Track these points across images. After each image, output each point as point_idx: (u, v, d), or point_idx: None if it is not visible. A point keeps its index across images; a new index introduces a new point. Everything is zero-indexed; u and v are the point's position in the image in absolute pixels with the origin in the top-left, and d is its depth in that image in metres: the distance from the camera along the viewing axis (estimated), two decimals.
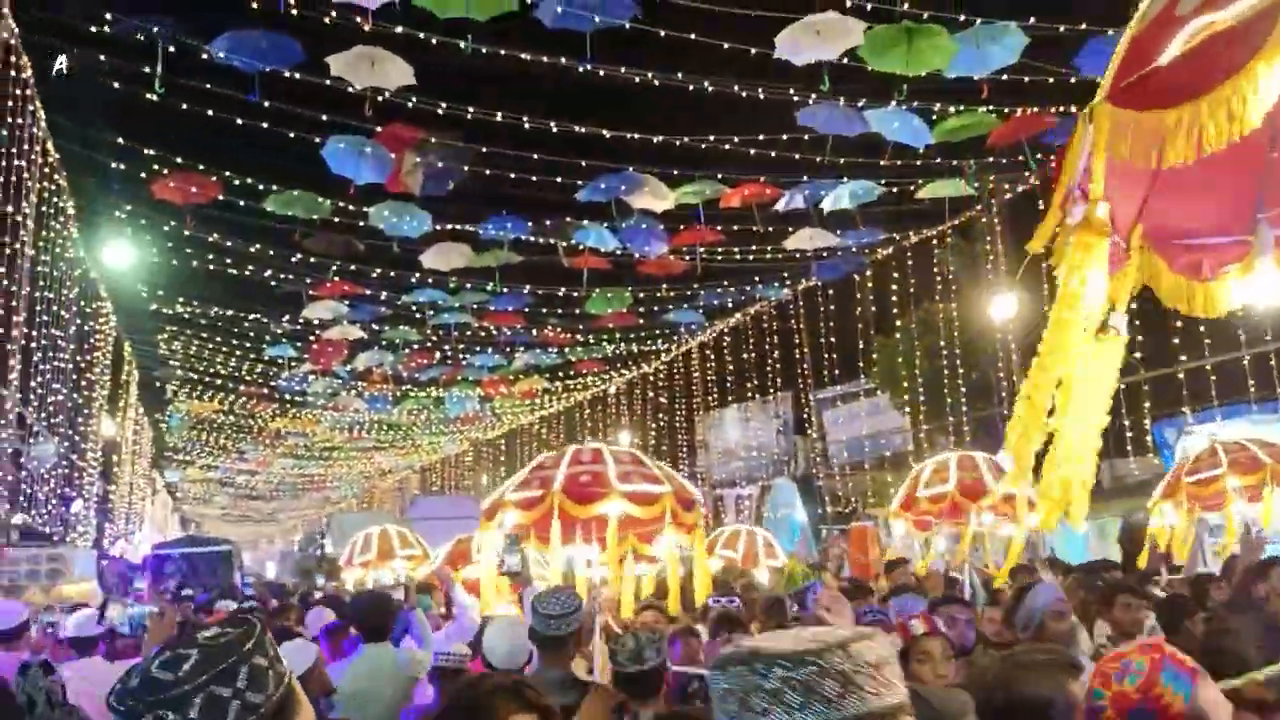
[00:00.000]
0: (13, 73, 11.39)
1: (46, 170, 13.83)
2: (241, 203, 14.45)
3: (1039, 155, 13.64)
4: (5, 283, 11.87)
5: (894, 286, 18.82)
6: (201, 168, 13.79)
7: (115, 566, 22.35)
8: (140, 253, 17.32)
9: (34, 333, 14.10)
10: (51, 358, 15.55)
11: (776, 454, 29.67)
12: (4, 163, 11.38)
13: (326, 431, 35.02)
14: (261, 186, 14.28)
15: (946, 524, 9.15)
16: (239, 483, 48.56)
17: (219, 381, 26.52)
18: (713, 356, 25.56)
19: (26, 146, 12.03)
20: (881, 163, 13.22)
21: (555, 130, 12.19)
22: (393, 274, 17.57)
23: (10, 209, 11.62)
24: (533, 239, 15.94)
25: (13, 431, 13.00)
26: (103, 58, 11.42)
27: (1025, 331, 16.45)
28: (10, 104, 11.25)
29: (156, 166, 13.76)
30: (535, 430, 38.42)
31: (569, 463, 6.34)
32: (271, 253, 16.65)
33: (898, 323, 19.98)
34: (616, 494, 6.08)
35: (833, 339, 20.98)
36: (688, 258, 16.89)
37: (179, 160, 13.65)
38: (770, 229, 16.42)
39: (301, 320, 20.34)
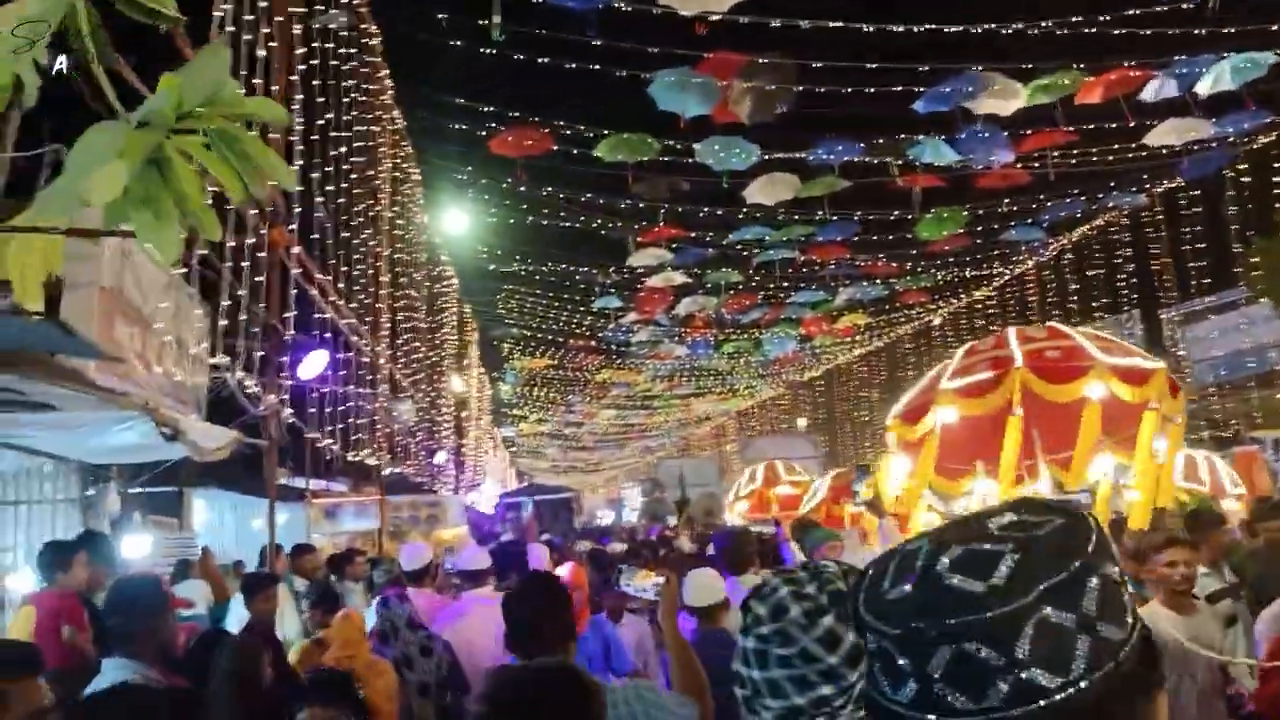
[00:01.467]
0: (363, 40, 11.88)
1: (396, 137, 14.51)
2: (574, 151, 14.56)
3: None
4: (372, 243, 12.51)
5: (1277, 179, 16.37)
6: (535, 119, 13.99)
7: (471, 514, 23.82)
8: (478, 214, 18.03)
9: (395, 293, 14.94)
10: (410, 318, 16.49)
11: None
12: (362, 127, 11.95)
13: (648, 381, 35.75)
14: (591, 134, 14.34)
15: None
16: (567, 434, 50.82)
17: (549, 337, 27.57)
18: (1053, 277, 23.59)
19: (380, 113, 12.59)
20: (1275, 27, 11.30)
21: (896, 30, 11.25)
22: (719, 212, 17.27)
23: (370, 172, 12.20)
24: (864, 160, 15.06)
25: (386, 388, 13.85)
26: (441, 16, 11.71)
27: None
28: (364, 70, 11.76)
29: (493, 124, 14.14)
30: (854, 369, 37.47)
31: (1020, 340, 5.84)
32: (601, 201, 16.80)
33: None
34: (1102, 369, 5.29)
35: (1200, 245, 18.63)
36: (1037, 164, 15.42)
37: (514, 114, 13.92)
38: (1132, 124, 14.68)
39: (627, 269, 20.58)
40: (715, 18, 10.76)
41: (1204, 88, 13.14)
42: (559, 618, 3.25)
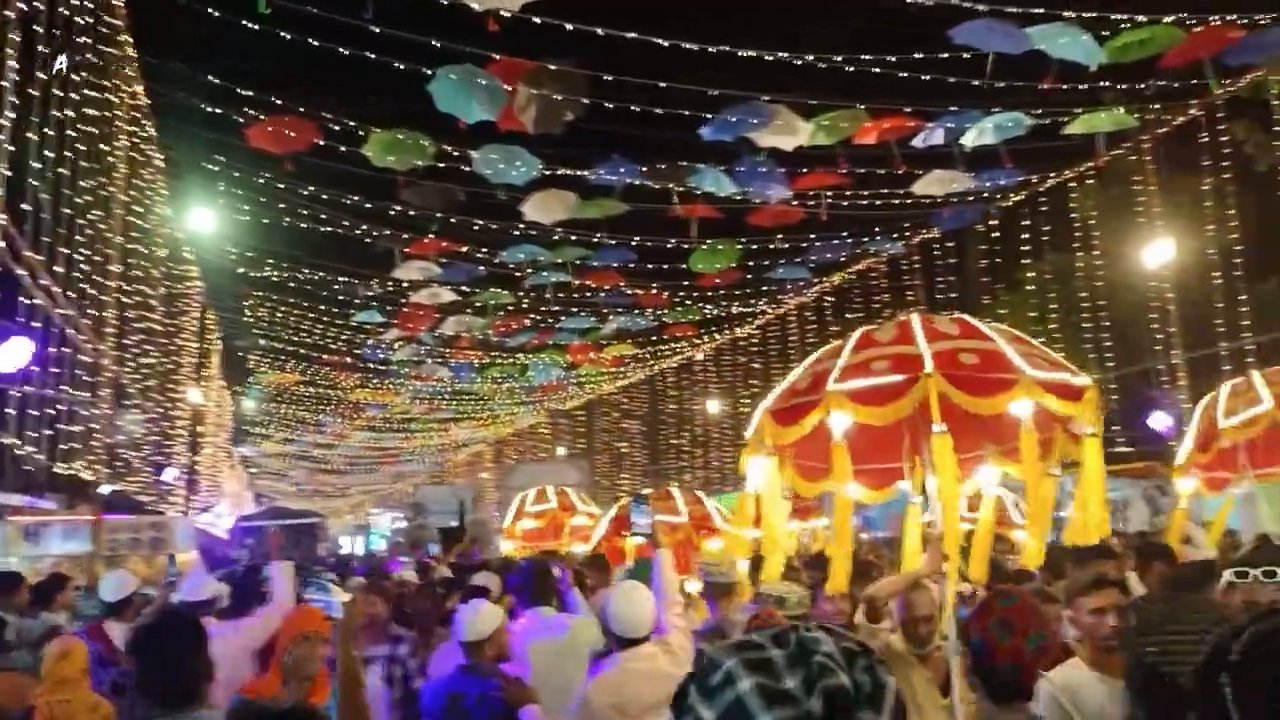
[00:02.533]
0: None
1: (136, 113, 12.99)
2: (341, 148, 13.50)
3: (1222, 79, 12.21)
4: (101, 227, 11.02)
5: (1025, 235, 17.37)
6: (300, 109, 12.87)
7: (203, 539, 21.88)
8: (228, 210, 16.55)
9: (127, 286, 13.30)
10: (144, 318, 14.81)
11: None
12: (95, 93, 10.49)
13: (406, 402, 34.36)
14: (362, 131, 13.35)
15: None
16: (314, 456, 48.27)
17: (302, 351, 25.86)
18: (813, 318, 24.26)
19: (119, 83, 11.17)
20: (1045, 86, 11.83)
21: (691, 49, 10.97)
22: (494, 226, 16.56)
23: (104, 147, 10.76)
24: (645, 183, 14.80)
25: (109, 392, 12.24)
26: None
27: (1181, 280, 15.03)
28: (101, 29, 10.35)
29: (252, 110, 12.91)
30: (615, 400, 37.44)
31: (928, 335, 4.65)
32: (368, 205, 15.72)
33: (1028, 274, 18.44)
34: (1030, 383, 4.41)
35: (952, 295, 19.57)
36: (812, 202, 15.65)
37: (277, 101, 12.75)
38: (899, 172, 15.16)
39: (391, 282, 19.50)
40: (507, 14, 10.14)
41: (969, 139, 13.69)
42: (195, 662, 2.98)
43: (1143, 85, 12.69)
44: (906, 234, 18.69)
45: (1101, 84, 12.31)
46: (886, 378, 4.56)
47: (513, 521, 11.79)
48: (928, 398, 4.43)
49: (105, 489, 13.43)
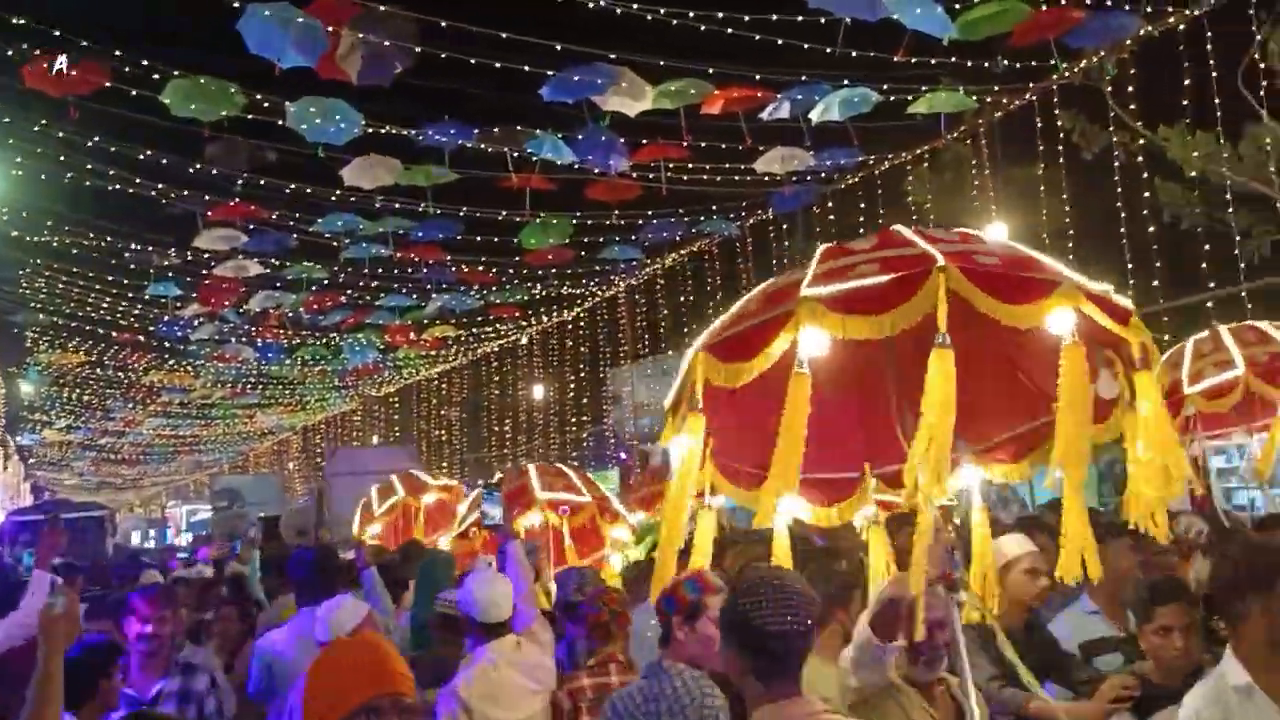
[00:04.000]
0: None
1: None
2: (134, 93, 11.94)
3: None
4: None
5: (860, 219, 17.29)
6: (86, 44, 11.28)
7: None
8: (1, 164, 14.61)
9: None
10: None
11: None
12: None
13: (206, 386, 32.05)
14: (158, 74, 11.85)
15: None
16: (102, 445, 44.80)
17: (89, 327, 23.55)
18: (643, 302, 23.77)
19: None
20: (896, 59, 11.56)
21: None
22: (308, 190, 15.21)
23: None
24: (478, 147, 13.82)
25: None
26: None
27: None
28: None
29: (28, 44, 11.24)
30: (435, 386, 36.08)
31: (926, 238, 3.73)
32: (165, 162, 14.11)
33: None
34: (1071, 288, 3.45)
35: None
36: (652, 176, 15.04)
37: (59, 35, 11.11)
38: (741, 147, 14.75)
39: (192, 252, 17.77)
40: None
41: (816, 114, 13.35)
42: None
43: (987, 64, 12.61)
44: (743, 214, 18.33)
45: (951, 59, 12.14)
46: (881, 276, 3.40)
47: (361, 527, 10.47)
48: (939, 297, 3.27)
49: None
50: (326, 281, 19.88)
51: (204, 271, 18.70)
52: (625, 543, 7.02)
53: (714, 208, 17.52)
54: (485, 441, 34.65)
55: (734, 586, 3.26)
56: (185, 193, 15.01)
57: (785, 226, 19.52)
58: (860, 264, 3.54)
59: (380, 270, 19.83)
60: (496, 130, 13.74)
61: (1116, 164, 13.90)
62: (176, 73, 11.67)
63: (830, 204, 17.95)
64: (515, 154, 14.02)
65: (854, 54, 11.37)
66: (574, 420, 30.65)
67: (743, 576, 3.38)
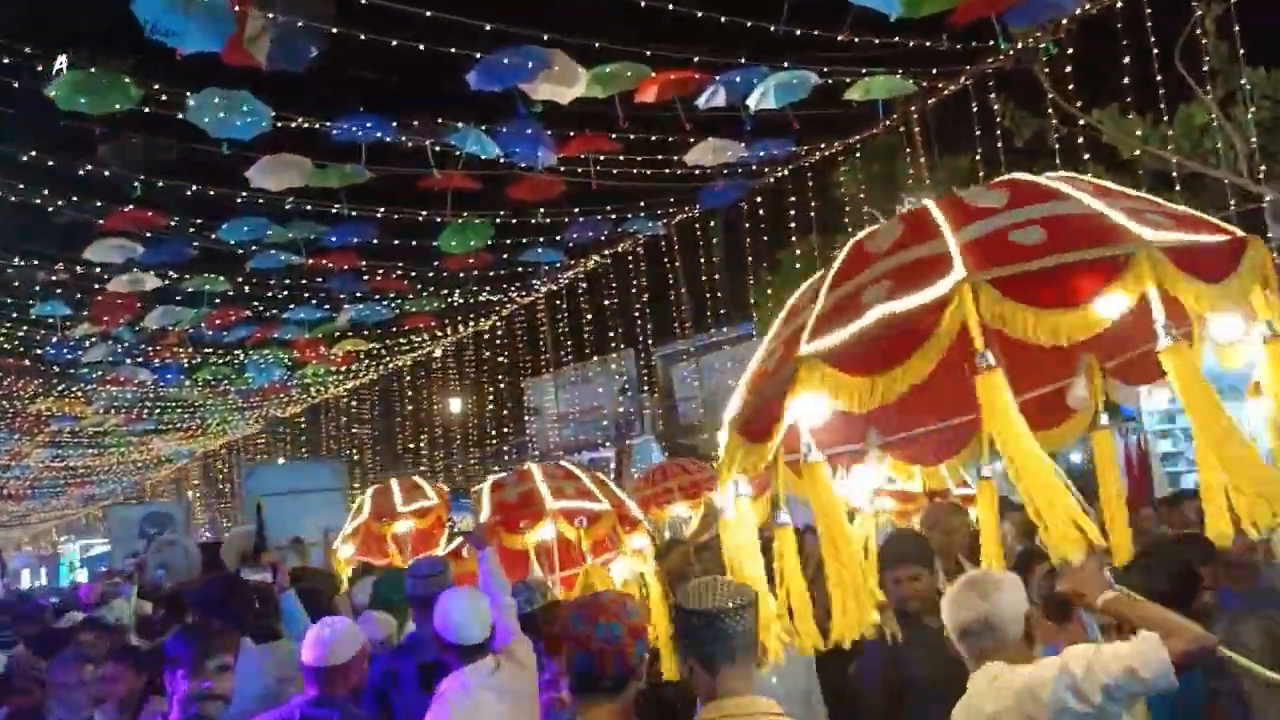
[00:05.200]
0: None
1: None
2: (15, 85, 10.81)
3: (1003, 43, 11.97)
4: None
5: (792, 212, 16.87)
6: None
7: None
8: None
9: None
10: None
11: (621, 415, 27.53)
12: None
13: (99, 413, 30.18)
14: (41, 65, 10.76)
15: None
16: None
17: None
18: (565, 307, 23.03)
19: None
20: (839, 38, 11.11)
21: None
22: (211, 193, 14.13)
23: None
24: (397, 141, 12.98)
25: None
26: None
27: None
28: None
29: None
30: (345, 404, 34.74)
31: (956, 219, 3.19)
32: (51, 163, 12.91)
33: (796, 251, 17.91)
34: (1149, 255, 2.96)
35: (715, 276, 18.87)
36: (580, 170, 14.36)
37: None
38: (671, 139, 14.22)
39: (82, 265, 16.46)
40: None
41: (752, 102, 12.83)
42: None
43: (929, 43, 12.26)
44: (671, 210, 17.74)
45: (894, 39, 11.74)
46: (889, 305, 2.84)
47: (370, 521, 9.24)
48: (962, 325, 2.77)
49: None
50: (230, 293, 18.67)
51: (96, 286, 17.36)
52: (645, 554, 6.24)
53: (642, 204, 16.91)
54: (400, 459, 33.46)
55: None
56: (75, 198, 13.81)
57: (712, 223, 19.01)
58: (868, 285, 2.98)
59: (288, 280, 18.74)
60: (417, 123, 12.93)
61: (1056, 148, 13.70)
62: (65, 60, 10.59)
63: (759, 198, 17.49)
64: (437, 149, 13.21)
65: (798, 32, 10.87)
66: (494, 433, 29.76)
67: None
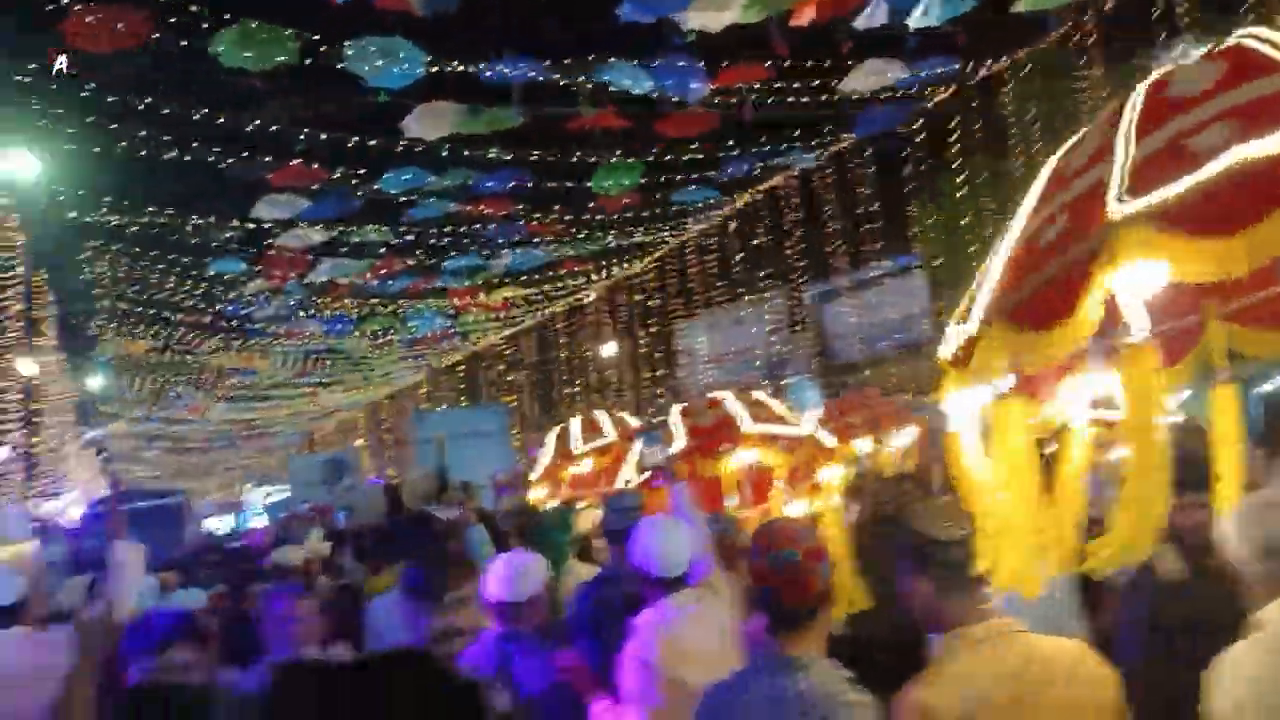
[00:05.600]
0: None
1: None
2: (185, 43, 11.13)
3: None
4: None
5: (956, 135, 16.07)
6: None
7: (52, 530, 19.27)
8: (52, 141, 13.94)
9: None
10: None
11: (775, 355, 27.12)
12: None
13: (274, 367, 31.58)
14: (208, 22, 11.02)
15: None
16: (172, 434, 44.89)
17: (153, 311, 23.02)
18: (716, 246, 22.70)
19: None
20: None
21: None
22: (372, 142, 14.34)
23: None
24: (549, 79, 12.84)
25: None
26: None
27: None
28: None
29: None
30: (500, 351, 35.38)
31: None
32: (221, 122, 13.31)
33: (957, 179, 17.13)
34: None
35: (873, 207, 18.20)
36: (735, 100, 13.97)
37: None
38: (827, 63, 13.66)
39: (253, 223, 17.05)
40: None
41: (914, 20, 12.16)
42: None
43: None
44: (827, 140, 17.16)
45: None
46: (1240, 150, 2.20)
47: (554, 463, 9.39)
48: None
49: None
50: (394, 242, 19.05)
51: (266, 243, 17.98)
52: (834, 487, 5.96)
53: (796, 133, 16.39)
54: (555, 404, 33.95)
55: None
56: (244, 154, 14.22)
57: (869, 151, 18.31)
58: (1202, 126, 2.34)
59: (446, 229, 19.01)
60: (568, 61, 12.77)
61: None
62: (229, 18, 10.82)
63: (920, 122, 16.72)
64: (589, 86, 13.04)
65: None
66: (649, 376, 29.83)
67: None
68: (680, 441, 6.07)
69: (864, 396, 11.99)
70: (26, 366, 19.31)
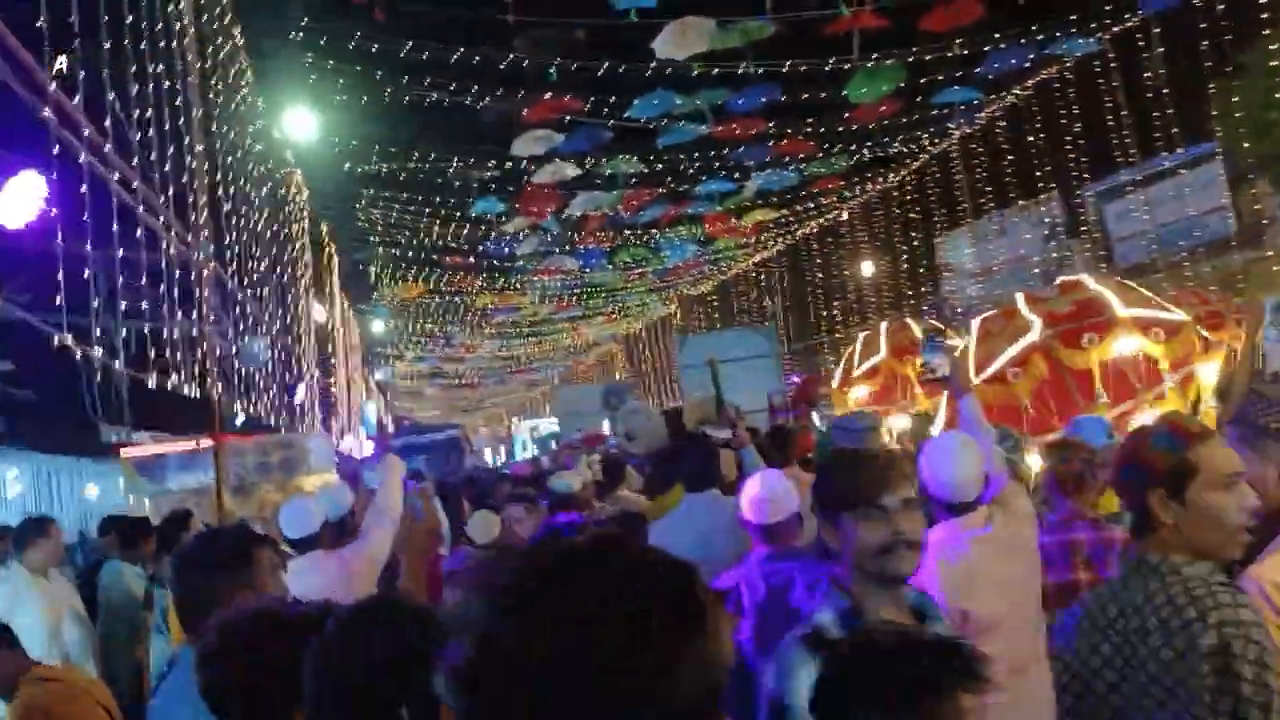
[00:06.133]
0: None
1: None
2: None
3: None
4: (178, 100, 9.07)
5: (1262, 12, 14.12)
6: None
7: (346, 464, 20.67)
8: (324, 92, 14.60)
9: (222, 184, 11.37)
10: (245, 219, 12.95)
11: (1052, 263, 25.31)
12: None
13: (534, 303, 32.57)
14: None
15: None
16: (447, 371, 47.48)
17: (422, 254, 24.11)
18: (981, 149, 21.26)
19: None
20: None
21: None
22: (622, 69, 14.19)
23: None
24: None
25: (213, 299, 10.41)
26: None
27: None
28: None
29: None
30: (754, 277, 34.97)
31: None
32: (476, 61, 13.50)
33: (1270, 46, 15.09)
34: None
35: (1162, 93, 16.41)
36: None
37: None
38: None
39: (510, 161, 17.36)
40: None
41: None
42: None
43: None
44: (1107, 22, 15.51)
45: None
46: None
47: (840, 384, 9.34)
48: None
49: (240, 417, 11.85)
50: (644, 171, 18.97)
51: (525, 179, 18.30)
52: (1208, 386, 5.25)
53: (1072, 18, 14.91)
54: (812, 328, 33.31)
55: None
56: (499, 91, 14.41)
57: (1157, 31, 16.44)
58: None
59: (696, 154, 18.70)
60: None
61: None
62: None
63: None
64: None
65: None
66: (910, 294, 28.66)
67: None
68: (1035, 333, 5.41)
69: (1197, 291, 10.77)
70: (319, 312, 20.67)
